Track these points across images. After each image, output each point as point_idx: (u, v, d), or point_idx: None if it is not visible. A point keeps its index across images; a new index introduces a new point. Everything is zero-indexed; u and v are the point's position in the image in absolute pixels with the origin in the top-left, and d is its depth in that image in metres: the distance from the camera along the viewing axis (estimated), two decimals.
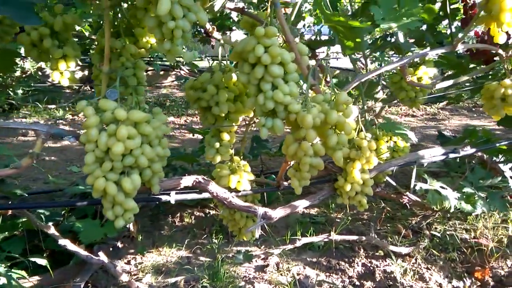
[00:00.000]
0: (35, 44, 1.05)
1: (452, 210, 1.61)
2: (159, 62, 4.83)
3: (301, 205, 1.33)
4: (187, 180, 1.13)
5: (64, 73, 1.14)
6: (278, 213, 1.27)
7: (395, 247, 1.84)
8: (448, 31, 1.69)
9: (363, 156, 1.28)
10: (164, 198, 1.19)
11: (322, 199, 1.41)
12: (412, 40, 1.69)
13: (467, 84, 2.13)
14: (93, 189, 0.86)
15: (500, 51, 1.27)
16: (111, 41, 1.16)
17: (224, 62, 1.08)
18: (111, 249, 1.76)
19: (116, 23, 1.13)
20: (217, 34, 1.09)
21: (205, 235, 1.95)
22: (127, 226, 1.73)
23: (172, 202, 1.19)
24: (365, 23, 1.06)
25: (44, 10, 1.05)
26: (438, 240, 1.96)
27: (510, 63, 1.55)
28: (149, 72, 5.43)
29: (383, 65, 1.30)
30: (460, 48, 1.14)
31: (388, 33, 1.37)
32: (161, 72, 5.51)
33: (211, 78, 1.05)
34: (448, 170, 2.30)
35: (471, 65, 1.90)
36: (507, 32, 1.08)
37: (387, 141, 1.67)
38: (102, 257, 1.41)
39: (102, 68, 0.96)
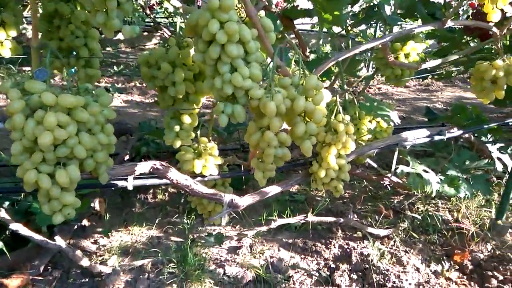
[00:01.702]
0: None
1: (433, 194, 1.54)
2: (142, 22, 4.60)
3: (272, 191, 1.25)
4: (144, 166, 1.03)
5: (4, 42, 1.01)
6: (245, 200, 1.18)
7: (374, 229, 1.78)
8: (442, 2, 1.56)
9: (339, 141, 1.18)
10: (120, 183, 1.10)
11: (295, 185, 1.33)
12: (402, 12, 1.55)
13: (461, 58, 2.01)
14: (24, 183, 0.75)
15: (494, 28, 1.15)
16: (60, 5, 1.02)
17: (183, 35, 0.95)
18: (76, 227, 1.68)
19: None
20: (176, 1, 0.95)
21: (178, 214, 1.87)
22: (93, 205, 1.64)
23: (130, 188, 1.09)
24: None
25: None
26: (418, 222, 1.91)
27: (507, 41, 1.43)
28: None
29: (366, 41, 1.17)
30: (450, 24, 1.02)
31: (372, 4, 1.24)
32: (145, 33, 5.27)
33: (166, 54, 0.92)
34: (434, 150, 2.22)
35: (467, 39, 1.78)
36: (502, 10, 0.96)
37: (369, 121, 1.57)
38: (59, 241, 1.33)
39: (31, 42, 0.82)
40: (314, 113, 0.86)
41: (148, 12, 4.28)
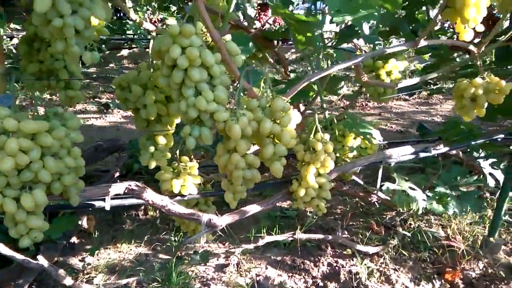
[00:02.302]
0: None
1: (420, 212, 1.52)
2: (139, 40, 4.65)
3: (252, 210, 1.24)
4: (118, 188, 1.04)
5: None
6: (224, 220, 1.18)
7: (363, 246, 1.76)
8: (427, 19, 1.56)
9: (317, 160, 1.18)
10: (98, 204, 1.10)
11: (276, 203, 1.32)
12: (385, 29, 1.56)
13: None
14: None
15: (472, 47, 1.15)
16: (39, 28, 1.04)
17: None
18: (66, 244, 1.68)
19: None
20: (149, 25, 0.96)
21: (168, 231, 1.87)
22: (81, 222, 1.64)
23: (107, 208, 1.09)
24: (314, 17, 0.94)
25: None
26: (409, 239, 1.89)
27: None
28: (135, 50, 5.26)
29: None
30: (423, 44, 1.02)
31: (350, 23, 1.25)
32: (147, 50, 5.33)
33: (138, 77, 0.93)
34: (423, 166, 2.21)
35: (454, 55, 1.78)
36: (474, 29, 0.96)
37: (354, 138, 1.57)
38: (42, 260, 1.33)
39: None
40: (282, 135, 0.86)
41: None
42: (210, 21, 0.77)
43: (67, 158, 0.81)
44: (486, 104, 1.21)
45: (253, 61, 1.27)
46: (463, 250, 1.75)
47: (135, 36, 4.57)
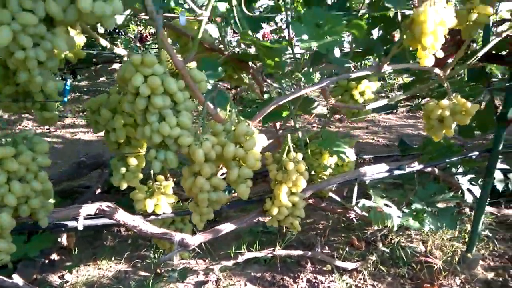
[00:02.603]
0: None
1: (395, 229, 1.55)
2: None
3: (226, 229, 1.26)
4: (89, 209, 1.05)
5: None
6: (197, 239, 1.20)
7: (342, 262, 1.78)
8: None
9: (289, 179, 1.20)
10: (70, 224, 1.12)
11: (250, 222, 1.34)
12: (361, 49, 1.60)
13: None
14: None
15: (437, 70, 1.18)
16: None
17: None
18: (46, 261, 1.69)
19: None
20: (121, 50, 0.99)
21: (149, 247, 1.87)
22: (60, 239, 1.65)
23: (80, 228, 1.11)
24: (281, 44, 0.98)
25: None
26: (388, 254, 1.91)
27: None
28: None
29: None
30: (387, 69, 1.05)
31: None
32: None
33: (107, 100, 0.96)
34: (402, 182, 2.24)
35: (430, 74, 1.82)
36: (434, 55, 1.00)
37: (331, 156, 1.59)
38: (17, 279, 1.34)
39: None
40: (246, 159, 0.89)
41: (138, 44, 4.38)
42: (173, 50, 0.80)
43: (34, 182, 0.83)
44: (454, 125, 1.25)
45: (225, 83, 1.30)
46: (441, 265, 1.77)
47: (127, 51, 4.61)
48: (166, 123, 0.80)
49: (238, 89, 3.87)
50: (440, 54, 1.00)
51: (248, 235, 2.01)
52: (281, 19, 4.00)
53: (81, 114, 4.01)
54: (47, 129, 3.57)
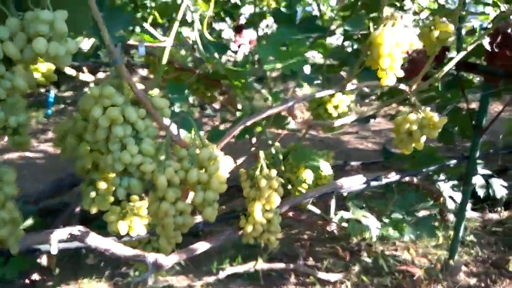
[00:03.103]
0: None
1: (374, 240, 1.57)
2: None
3: (201, 248, 1.27)
4: (60, 234, 1.06)
5: None
6: (171, 259, 1.20)
7: (325, 274, 1.79)
8: None
9: (262, 196, 1.22)
10: (44, 248, 1.12)
11: (225, 239, 1.35)
12: (336, 63, 1.63)
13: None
14: None
15: (403, 85, 1.21)
16: None
17: None
18: (27, 282, 1.69)
19: None
20: (87, 76, 1.00)
21: (129, 264, 1.88)
22: (39, 260, 1.65)
23: (54, 253, 1.11)
24: (249, 62, 1.00)
25: None
26: (372, 264, 1.92)
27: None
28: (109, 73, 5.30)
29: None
30: (351, 87, 1.07)
31: None
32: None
33: (73, 127, 0.97)
34: (384, 191, 2.26)
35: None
36: (408, 67, 1.02)
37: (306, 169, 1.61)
38: None
39: None
40: (210, 183, 0.90)
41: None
42: (133, 80, 0.81)
43: (1, 213, 0.83)
44: (424, 138, 1.27)
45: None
46: (422, 274, 1.79)
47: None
48: (127, 151, 0.81)
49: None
50: (400, 74, 1.02)
51: (231, 248, 2.02)
52: (267, 25, 4.03)
53: None
54: None
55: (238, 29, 3.64)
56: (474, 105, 1.80)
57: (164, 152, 0.88)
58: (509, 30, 1.33)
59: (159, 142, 0.90)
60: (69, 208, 1.87)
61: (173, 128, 0.93)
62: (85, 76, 1.00)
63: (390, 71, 0.97)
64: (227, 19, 3.17)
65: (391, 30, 0.91)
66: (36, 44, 0.64)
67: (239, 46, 4.56)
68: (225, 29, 4.44)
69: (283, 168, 1.47)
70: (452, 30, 1.10)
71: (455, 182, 2.08)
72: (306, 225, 2.33)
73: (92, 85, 0.95)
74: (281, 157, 1.52)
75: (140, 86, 0.88)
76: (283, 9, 1.21)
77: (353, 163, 3.24)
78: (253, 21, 2.40)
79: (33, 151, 3.42)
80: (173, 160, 0.89)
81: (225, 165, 0.96)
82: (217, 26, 4.14)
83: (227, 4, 2.36)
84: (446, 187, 2.06)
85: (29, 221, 1.72)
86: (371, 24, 1.30)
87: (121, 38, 0.84)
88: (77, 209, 1.89)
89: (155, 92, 0.88)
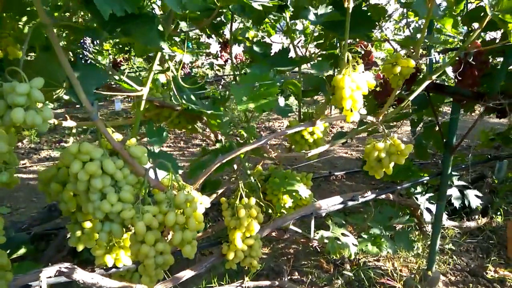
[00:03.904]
0: None
1: (352, 257, 1.64)
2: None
3: (186, 275, 1.33)
4: (48, 272, 1.11)
5: None
6: None
7: None
8: None
9: (241, 225, 1.28)
10: (34, 284, 1.18)
11: (210, 266, 1.41)
12: (310, 88, 1.70)
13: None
14: None
15: (370, 117, 1.28)
16: None
17: None
18: None
19: None
20: (70, 122, 1.06)
21: None
22: None
23: None
24: (217, 110, 1.06)
25: None
26: (353, 277, 1.99)
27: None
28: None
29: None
30: (319, 124, 1.14)
31: None
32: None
33: (57, 174, 1.02)
34: (363, 205, 2.34)
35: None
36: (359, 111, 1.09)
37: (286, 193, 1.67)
38: None
39: None
40: (188, 223, 0.96)
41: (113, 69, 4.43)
42: (110, 135, 0.87)
43: None
44: (392, 164, 1.34)
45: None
46: (402, 286, 1.87)
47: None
48: (107, 201, 0.87)
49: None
50: (363, 112, 1.09)
51: (220, 266, 2.08)
52: (254, 40, 4.12)
53: (57, 145, 4.03)
54: (22, 164, 3.58)
55: (224, 45, 3.72)
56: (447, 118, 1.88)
57: (142, 197, 0.93)
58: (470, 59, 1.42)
59: (138, 186, 0.96)
60: (61, 233, 1.91)
61: (151, 173, 0.99)
62: (68, 123, 1.05)
63: (354, 110, 1.04)
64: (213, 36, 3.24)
65: (351, 75, 0.98)
66: (14, 114, 0.70)
67: (225, 61, 4.64)
68: (212, 43, 4.52)
69: (263, 193, 1.53)
70: (413, 65, 1.17)
71: (432, 194, 2.17)
72: (290, 240, 2.40)
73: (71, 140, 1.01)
74: (263, 178, 1.59)
75: (118, 136, 0.94)
76: (256, 48, 1.28)
77: (337, 173, 3.32)
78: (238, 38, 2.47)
79: (26, 172, 3.44)
80: (151, 204, 0.95)
81: (201, 205, 1.02)
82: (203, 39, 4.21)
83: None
84: (422, 200, 2.14)
85: (22, 250, 1.77)
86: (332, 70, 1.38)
87: (98, 96, 0.90)
88: (69, 235, 1.94)
89: (133, 141, 0.94)
